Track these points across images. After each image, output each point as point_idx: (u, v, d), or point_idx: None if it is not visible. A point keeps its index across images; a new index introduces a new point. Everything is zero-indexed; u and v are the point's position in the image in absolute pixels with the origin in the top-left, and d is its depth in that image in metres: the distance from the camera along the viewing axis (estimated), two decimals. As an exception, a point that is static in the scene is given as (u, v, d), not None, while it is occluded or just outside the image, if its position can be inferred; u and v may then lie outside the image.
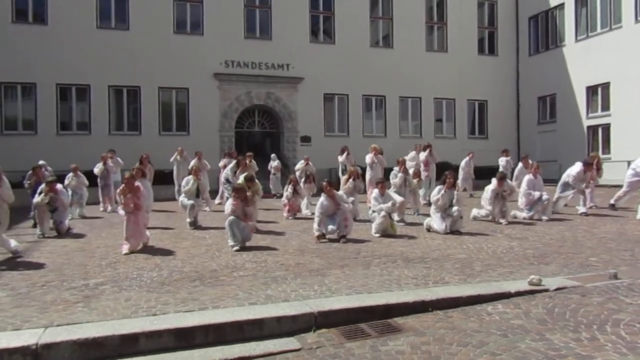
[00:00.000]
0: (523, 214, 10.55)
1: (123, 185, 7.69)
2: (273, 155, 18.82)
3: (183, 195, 10.19)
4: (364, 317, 4.29)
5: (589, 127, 23.44)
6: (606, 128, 22.55)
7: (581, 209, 11.11)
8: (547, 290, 4.94)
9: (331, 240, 7.91)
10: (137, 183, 7.87)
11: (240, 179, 9.69)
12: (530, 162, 13.21)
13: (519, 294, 4.85)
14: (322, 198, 8.13)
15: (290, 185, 11.48)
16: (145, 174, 10.93)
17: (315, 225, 7.99)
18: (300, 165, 16.06)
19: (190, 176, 10.34)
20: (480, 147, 23.21)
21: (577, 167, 11.24)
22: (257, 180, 9.31)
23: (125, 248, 7.16)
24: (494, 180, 10.14)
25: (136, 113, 21.15)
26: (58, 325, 3.94)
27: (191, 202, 9.87)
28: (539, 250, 6.97)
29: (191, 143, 19.48)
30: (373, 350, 3.64)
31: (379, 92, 24.02)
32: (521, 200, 10.73)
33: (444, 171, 9.67)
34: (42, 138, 19.22)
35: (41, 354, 3.55)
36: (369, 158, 14.49)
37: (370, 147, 15.04)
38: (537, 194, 10.48)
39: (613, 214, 11.03)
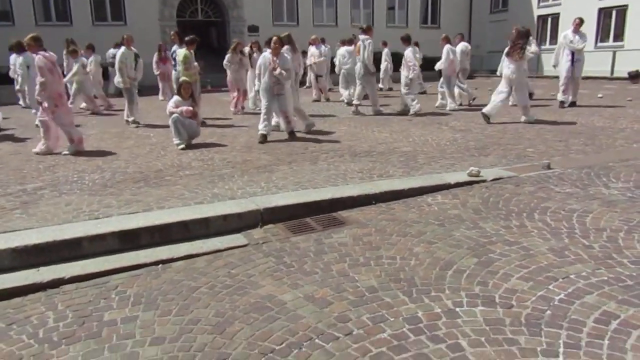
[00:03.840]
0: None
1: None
2: None
3: (118, 77, 9.47)
4: (309, 211, 4.39)
5: (539, 17, 23.40)
6: (555, 18, 22.58)
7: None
8: (484, 181, 5.17)
9: (279, 140, 7.79)
10: (43, 54, 6.67)
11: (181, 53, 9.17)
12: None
13: (458, 185, 5.07)
14: (265, 52, 7.51)
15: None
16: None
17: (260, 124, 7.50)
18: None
19: (122, 48, 9.57)
20: (431, 37, 22.84)
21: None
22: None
23: (37, 147, 6.86)
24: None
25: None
26: (-5, 233, 3.83)
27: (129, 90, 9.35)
28: (480, 142, 7.20)
29: (129, 33, 18.12)
30: (317, 243, 3.77)
31: (330, -25, 22.75)
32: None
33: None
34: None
35: (-21, 262, 3.47)
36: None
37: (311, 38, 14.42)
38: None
39: (549, 104, 11.43)
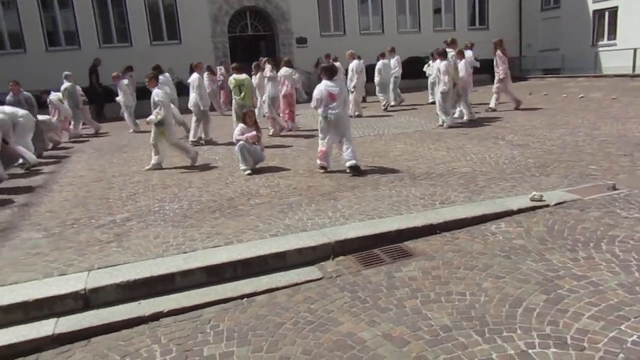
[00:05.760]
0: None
1: None
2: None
3: (196, 99, 10.25)
4: (377, 242, 4.64)
5: (595, 12, 22.57)
6: (613, 12, 21.72)
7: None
8: (547, 206, 5.24)
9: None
10: None
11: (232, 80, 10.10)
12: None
13: (521, 211, 5.16)
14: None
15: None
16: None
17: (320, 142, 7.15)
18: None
19: (195, 74, 10.39)
20: (481, 38, 22.51)
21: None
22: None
23: None
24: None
25: (123, 19, 20.23)
26: (99, 268, 4.29)
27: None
28: (540, 159, 7.20)
29: (184, 52, 19.02)
30: (388, 277, 4.01)
31: (375, -18, 22.92)
32: None
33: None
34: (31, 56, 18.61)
35: (90, 298, 3.93)
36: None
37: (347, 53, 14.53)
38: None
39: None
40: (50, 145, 11.46)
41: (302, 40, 21.94)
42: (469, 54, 12.47)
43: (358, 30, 22.87)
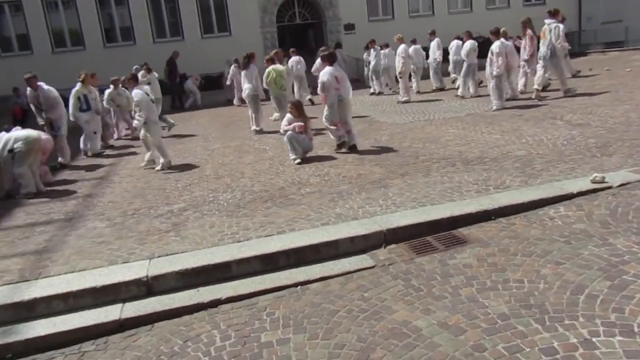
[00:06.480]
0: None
1: None
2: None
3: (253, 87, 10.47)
4: (429, 230, 4.58)
5: (663, -21, 20.99)
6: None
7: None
8: (610, 188, 4.99)
9: (385, 150, 7.98)
10: None
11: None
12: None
13: (581, 194, 4.94)
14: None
15: None
16: None
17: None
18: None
19: (252, 66, 10.54)
20: (538, 14, 21.44)
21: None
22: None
23: None
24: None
25: (175, 14, 20.69)
26: (159, 256, 4.49)
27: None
28: (602, 139, 6.84)
29: (234, 44, 19.29)
30: (442, 265, 3.96)
31: (423, -39, 22.28)
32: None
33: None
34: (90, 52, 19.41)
35: (152, 284, 4.12)
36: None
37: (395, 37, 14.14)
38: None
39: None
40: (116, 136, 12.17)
41: (350, 27, 21.73)
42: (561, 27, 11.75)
43: (407, 12, 22.37)
